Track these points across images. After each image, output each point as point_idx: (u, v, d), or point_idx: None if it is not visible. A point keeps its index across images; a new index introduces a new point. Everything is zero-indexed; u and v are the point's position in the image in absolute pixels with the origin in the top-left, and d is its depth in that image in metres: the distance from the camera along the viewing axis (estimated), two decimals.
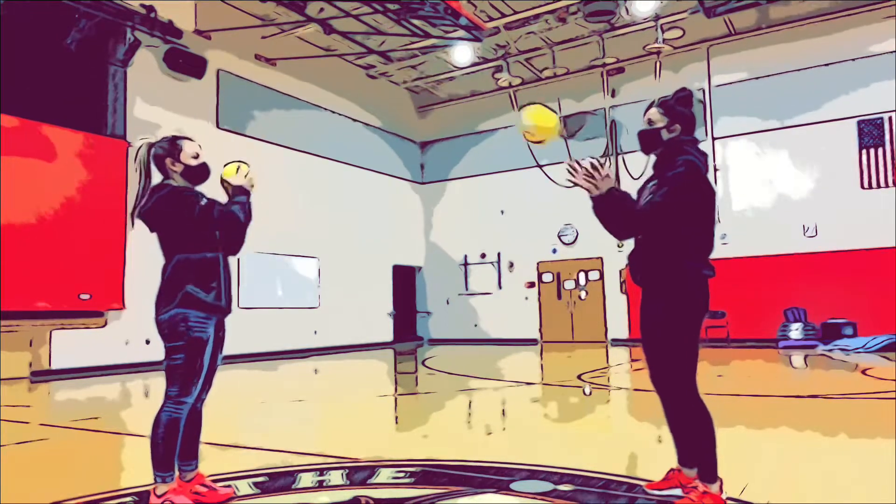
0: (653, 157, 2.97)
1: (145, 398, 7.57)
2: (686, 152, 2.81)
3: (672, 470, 2.92)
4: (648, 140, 2.92)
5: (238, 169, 3.05)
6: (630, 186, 3.02)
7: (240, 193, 3.00)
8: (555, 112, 2.93)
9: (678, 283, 2.74)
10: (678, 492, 2.81)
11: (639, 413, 5.82)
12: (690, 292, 2.74)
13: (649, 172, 2.97)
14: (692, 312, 2.74)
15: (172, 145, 2.95)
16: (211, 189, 3.08)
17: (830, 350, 11.29)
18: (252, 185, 3.03)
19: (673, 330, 2.74)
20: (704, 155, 2.86)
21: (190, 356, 2.80)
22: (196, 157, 2.97)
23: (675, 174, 2.72)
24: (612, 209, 2.77)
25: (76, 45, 9.92)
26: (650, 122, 2.91)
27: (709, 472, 2.69)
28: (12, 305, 8.92)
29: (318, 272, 14.11)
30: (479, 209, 16.87)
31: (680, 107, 2.91)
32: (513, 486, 3.10)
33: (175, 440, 2.81)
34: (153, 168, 2.96)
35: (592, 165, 2.76)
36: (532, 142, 2.91)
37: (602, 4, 12.12)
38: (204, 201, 2.90)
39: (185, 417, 2.84)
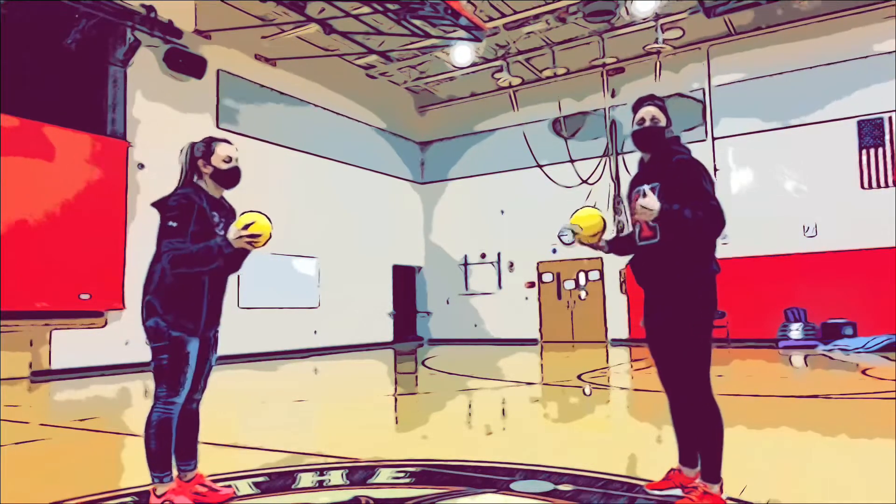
0: (638, 155, 2.99)
1: (145, 398, 7.56)
2: (679, 151, 2.83)
3: (672, 470, 2.92)
4: (656, 139, 2.88)
5: (247, 225, 2.76)
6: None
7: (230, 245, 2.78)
8: (597, 211, 3.05)
9: (693, 281, 2.72)
10: (678, 492, 2.81)
11: (639, 413, 5.81)
12: (706, 290, 2.73)
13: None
14: (708, 310, 2.74)
15: (207, 147, 2.94)
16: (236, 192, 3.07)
17: (830, 350, 11.29)
18: (247, 243, 2.78)
19: (692, 329, 2.72)
20: (690, 151, 2.89)
21: (174, 355, 2.80)
22: (228, 160, 2.94)
23: (699, 176, 2.70)
24: (679, 223, 2.66)
25: (76, 45, 9.92)
26: (655, 119, 2.87)
27: (713, 472, 2.68)
28: (12, 305, 8.92)
29: (317, 272, 14.10)
30: (479, 209, 16.87)
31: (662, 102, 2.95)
32: (513, 486, 3.10)
33: (168, 440, 2.81)
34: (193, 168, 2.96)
35: (635, 198, 2.74)
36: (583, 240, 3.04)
37: (602, 4, 12.12)
38: (173, 224, 2.77)
39: (176, 417, 2.84)
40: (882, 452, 3.78)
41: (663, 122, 2.87)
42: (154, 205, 2.89)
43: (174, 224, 2.78)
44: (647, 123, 2.88)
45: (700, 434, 2.77)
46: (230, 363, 9.99)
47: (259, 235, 2.76)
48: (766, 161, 13.59)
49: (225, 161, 2.94)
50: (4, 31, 9.12)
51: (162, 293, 2.80)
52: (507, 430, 5.23)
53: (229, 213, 3.04)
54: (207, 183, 2.95)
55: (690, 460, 2.85)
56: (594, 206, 3.14)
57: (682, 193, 2.69)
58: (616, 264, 14.55)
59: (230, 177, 2.96)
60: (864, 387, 7.17)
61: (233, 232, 2.76)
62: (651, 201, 2.63)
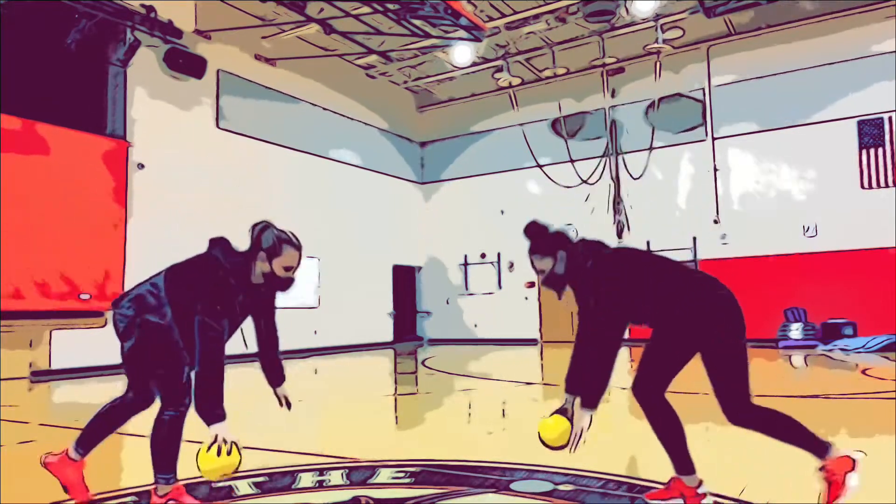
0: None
1: None
2: (582, 266, 2.81)
3: (673, 478, 2.90)
4: (559, 284, 2.90)
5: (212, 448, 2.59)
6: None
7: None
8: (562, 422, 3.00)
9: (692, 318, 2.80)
10: (679, 502, 2.79)
11: (639, 413, 5.79)
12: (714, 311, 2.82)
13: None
14: (697, 317, 2.82)
15: (276, 245, 2.82)
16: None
17: (830, 350, 11.29)
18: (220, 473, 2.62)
19: (673, 332, 2.79)
20: (598, 244, 2.87)
21: (169, 363, 2.84)
22: (288, 269, 2.86)
23: (598, 286, 2.76)
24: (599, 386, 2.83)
25: (76, 45, 9.91)
26: (542, 271, 2.87)
27: (683, 466, 2.73)
28: (12, 305, 8.92)
29: (318, 272, 14.10)
30: (479, 209, 16.86)
31: (539, 236, 2.88)
32: (513, 486, 3.10)
33: (178, 440, 2.81)
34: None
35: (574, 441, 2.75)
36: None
37: (602, 4, 12.11)
38: (211, 301, 2.74)
39: (185, 417, 2.84)
40: (882, 452, 3.77)
41: (550, 265, 2.84)
42: (213, 241, 2.87)
43: (210, 301, 2.73)
44: (542, 276, 2.90)
45: (658, 433, 2.82)
46: (230, 363, 9.95)
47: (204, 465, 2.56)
48: (766, 161, 13.59)
49: (285, 269, 2.86)
50: (4, 31, 9.12)
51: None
52: (507, 430, 5.23)
53: (254, 294, 2.97)
54: (256, 274, 2.87)
55: (683, 468, 2.83)
56: (550, 416, 3.08)
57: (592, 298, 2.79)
58: None
59: (282, 285, 2.92)
60: (864, 387, 7.17)
61: (211, 432, 2.60)
62: (584, 428, 2.77)
